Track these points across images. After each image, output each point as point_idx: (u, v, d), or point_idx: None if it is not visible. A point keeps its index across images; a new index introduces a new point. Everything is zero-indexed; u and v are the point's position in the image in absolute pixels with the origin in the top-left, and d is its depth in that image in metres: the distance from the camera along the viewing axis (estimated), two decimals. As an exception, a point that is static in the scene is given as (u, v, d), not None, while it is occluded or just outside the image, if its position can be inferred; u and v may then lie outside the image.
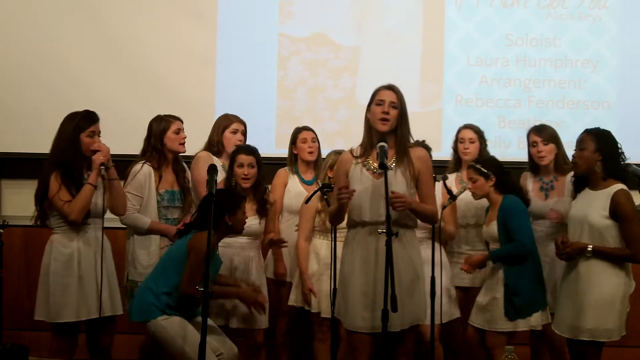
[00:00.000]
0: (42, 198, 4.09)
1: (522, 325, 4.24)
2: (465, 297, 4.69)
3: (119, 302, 4.25)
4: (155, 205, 4.46)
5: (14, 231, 5.64)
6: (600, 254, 3.87)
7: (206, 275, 3.62)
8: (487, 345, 4.33)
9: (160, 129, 4.54)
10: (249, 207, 4.39)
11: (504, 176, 4.39)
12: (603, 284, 3.87)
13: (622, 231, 3.87)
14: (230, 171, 4.47)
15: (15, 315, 5.56)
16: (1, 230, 5.29)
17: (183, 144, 4.57)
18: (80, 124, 4.11)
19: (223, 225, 4.06)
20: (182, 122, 4.62)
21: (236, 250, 4.42)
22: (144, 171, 4.45)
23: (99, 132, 4.17)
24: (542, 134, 4.57)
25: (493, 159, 4.48)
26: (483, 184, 4.37)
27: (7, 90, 5.87)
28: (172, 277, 3.99)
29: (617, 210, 3.86)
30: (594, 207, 3.91)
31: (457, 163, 4.92)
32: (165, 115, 4.61)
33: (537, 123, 4.89)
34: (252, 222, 4.39)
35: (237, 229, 4.15)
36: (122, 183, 4.39)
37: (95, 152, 4.10)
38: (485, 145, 4.89)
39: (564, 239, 4.00)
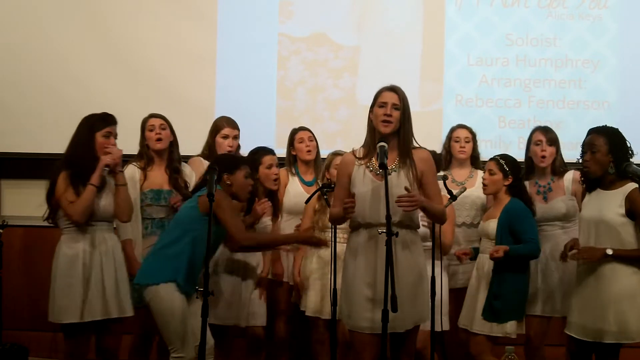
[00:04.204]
0: (49, 196, 4.06)
1: (496, 330, 4.24)
2: (461, 298, 4.69)
3: (128, 303, 4.16)
4: (138, 204, 4.44)
5: (14, 231, 5.65)
6: (620, 257, 3.83)
7: (206, 275, 3.61)
8: (471, 352, 4.34)
9: (141, 129, 4.58)
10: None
11: (519, 182, 4.41)
12: (621, 283, 3.84)
13: (638, 230, 3.85)
14: (254, 173, 4.38)
15: (15, 315, 5.56)
16: (1, 231, 5.31)
17: (159, 140, 4.52)
18: (96, 124, 4.09)
19: (224, 186, 4.03)
20: (159, 118, 4.58)
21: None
22: (127, 172, 4.41)
23: (116, 134, 4.15)
24: (548, 134, 4.57)
25: (515, 161, 4.46)
26: (499, 180, 4.37)
27: (7, 90, 5.86)
28: (179, 237, 3.95)
29: (634, 209, 3.84)
30: (609, 206, 3.89)
31: (447, 162, 4.92)
32: (148, 114, 4.62)
33: (537, 123, 4.93)
34: (268, 223, 4.46)
35: (237, 192, 4.07)
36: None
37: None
38: (477, 146, 4.93)
39: (574, 244, 3.99)
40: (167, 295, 3.88)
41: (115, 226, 4.36)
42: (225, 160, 4.15)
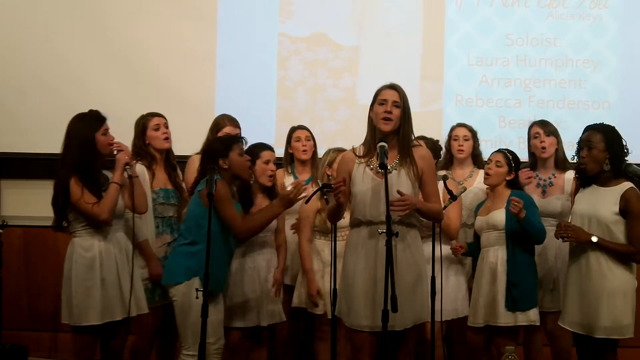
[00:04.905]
0: (62, 203, 3.96)
1: (521, 319, 4.27)
2: None
3: (144, 300, 4.16)
4: (151, 204, 4.42)
5: (14, 231, 5.65)
6: (604, 247, 3.85)
7: (206, 275, 3.61)
8: (494, 344, 4.36)
9: (140, 129, 4.54)
10: (266, 202, 4.36)
11: (517, 178, 4.48)
12: (614, 278, 3.84)
13: (628, 228, 3.86)
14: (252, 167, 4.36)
15: (15, 315, 5.57)
16: (1, 231, 5.31)
17: (167, 139, 4.53)
18: (93, 124, 4.03)
19: (222, 172, 4.01)
20: (162, 117, 4.58)
21: (259, 248, 4.40)
22: (138, 170, 4.37)
23: (108, 129, 4.10)
24: (545, 126, 4.62)
25: (519, 159, 4.51)
26: (503, 173, 4.43)
27: (7, 90, 5.87)
28: (196, 234, 3.97)
29: (627, 208, 3.85)
30: (604, 203, 3.89)
31: (448, 161, 4.92)
32: (146, 114, 4.59)
33: (537, 122, 4.93)
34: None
35: (237, 172, 4.07)
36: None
37: (114, 150, 4.03)
38: (478, 144, 4.92)
39: (566, 222, 4.00)
40: (189, 291, 3.89)
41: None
42: (216, 146, 4.12)
